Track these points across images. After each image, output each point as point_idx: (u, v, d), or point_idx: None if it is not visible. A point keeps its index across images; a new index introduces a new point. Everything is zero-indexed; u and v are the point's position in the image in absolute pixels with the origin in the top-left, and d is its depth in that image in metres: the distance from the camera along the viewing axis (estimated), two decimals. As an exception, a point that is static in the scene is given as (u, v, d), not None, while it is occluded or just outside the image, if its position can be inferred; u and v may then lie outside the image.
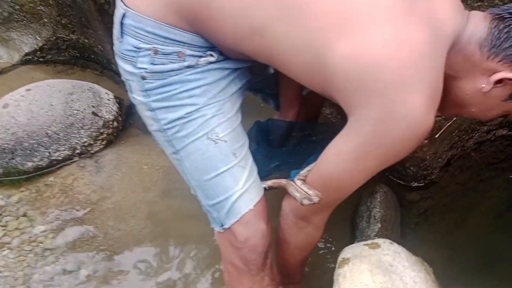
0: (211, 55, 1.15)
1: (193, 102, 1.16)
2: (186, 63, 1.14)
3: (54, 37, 2.66)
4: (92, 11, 2.25)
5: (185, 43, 1.13)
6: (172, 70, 1.14)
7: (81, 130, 2.09)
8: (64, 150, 2.06)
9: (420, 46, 1.00)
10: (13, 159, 2.01)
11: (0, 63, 2.77)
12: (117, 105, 2.27)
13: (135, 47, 1.13)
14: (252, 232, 1.27)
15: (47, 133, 2.03)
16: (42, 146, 2.02)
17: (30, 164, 2.02)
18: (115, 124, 2.21)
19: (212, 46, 1.15)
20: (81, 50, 2.69)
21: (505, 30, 1.06)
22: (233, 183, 1.23)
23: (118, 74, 2.44)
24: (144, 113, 1.22)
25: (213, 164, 1.21)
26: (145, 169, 2.05)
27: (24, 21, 2.65)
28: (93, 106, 2.15)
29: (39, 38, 2.68)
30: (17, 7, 2.59)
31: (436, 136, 1.72)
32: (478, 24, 1.09)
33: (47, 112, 2.06)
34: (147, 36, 1.11)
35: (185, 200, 1.88)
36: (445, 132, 1.73)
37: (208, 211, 1.29)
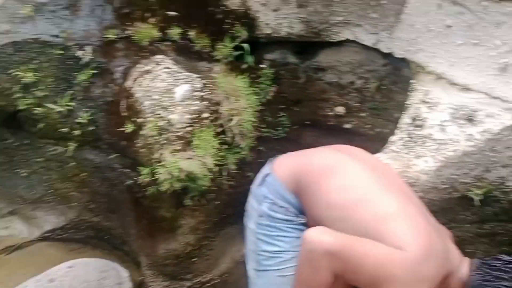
0: (303, 218, 1.73)
1: (280, 246, 1.73)
2: (287, 217, 1.73)
3: (78, 219, 2.83)
4: (127, 202, 2.47)
5: (292, 204, 1.73)
6: (278, 218, 1.73)
7: (106, 305, 2.33)
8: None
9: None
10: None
11: (19, 238, 2.91)
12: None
13: (264, 195, 1.77)
14: None
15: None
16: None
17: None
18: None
19: (303, 211, 1.72)
20: (98, 231, 2.86)
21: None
22: None
23: (127, 254, 2.68)
24: (250, 237, 1.80)
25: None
26: None
27: (53, 203, 2.82)
28: (117, 284, 2.43)
29: (63, 219, 2.85)
30: (51, 190, 2.77)
31: None
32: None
33: (84, 288, 2.32)
34: (274, 193, 1.76)
35: None
36: None
37: None
